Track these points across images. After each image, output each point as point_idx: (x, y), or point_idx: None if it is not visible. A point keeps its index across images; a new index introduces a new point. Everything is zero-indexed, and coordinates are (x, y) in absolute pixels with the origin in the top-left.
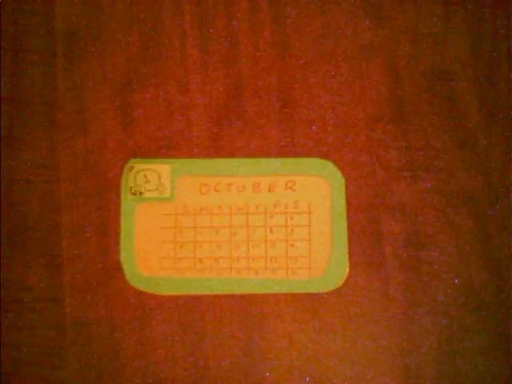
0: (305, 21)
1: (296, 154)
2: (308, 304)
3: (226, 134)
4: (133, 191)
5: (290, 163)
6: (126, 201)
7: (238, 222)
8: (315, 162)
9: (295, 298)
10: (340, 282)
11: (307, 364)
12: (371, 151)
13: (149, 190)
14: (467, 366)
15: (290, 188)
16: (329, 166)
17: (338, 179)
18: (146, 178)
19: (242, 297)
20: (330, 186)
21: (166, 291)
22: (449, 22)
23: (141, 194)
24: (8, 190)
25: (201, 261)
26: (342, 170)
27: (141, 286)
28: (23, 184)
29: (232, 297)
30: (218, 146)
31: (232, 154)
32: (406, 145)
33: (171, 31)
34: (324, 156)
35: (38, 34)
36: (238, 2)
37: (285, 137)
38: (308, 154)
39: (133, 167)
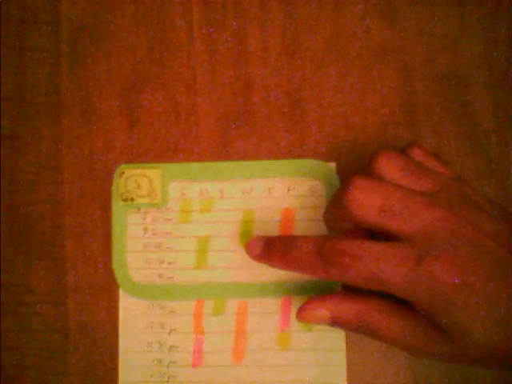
0: (316, 21)
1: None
2: None
3: (234, 137)
4: (124, 197)
5: (289, 165)
6: (118, 207)
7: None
8: (315, 164)
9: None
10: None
11: None
12: None
13: (140, 196)
14: (476, 377)
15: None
16: (325, 169)
17: (333, 182)
18: (137, 183)
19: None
20: (326, 188)
21: (162, 298)
22: (464, 24)
23: (132, 200)
24: (11, 191)
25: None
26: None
27: (134, 294)
28: (26, 185)
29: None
30: (226, 149)
31: (240, 157)
32: None
33: (179, 32)
34: (334, 160)
35: (42, 33)
36: (247, 2)
37: (294, 140)
38: (317, 157)
39: (123, 173)
